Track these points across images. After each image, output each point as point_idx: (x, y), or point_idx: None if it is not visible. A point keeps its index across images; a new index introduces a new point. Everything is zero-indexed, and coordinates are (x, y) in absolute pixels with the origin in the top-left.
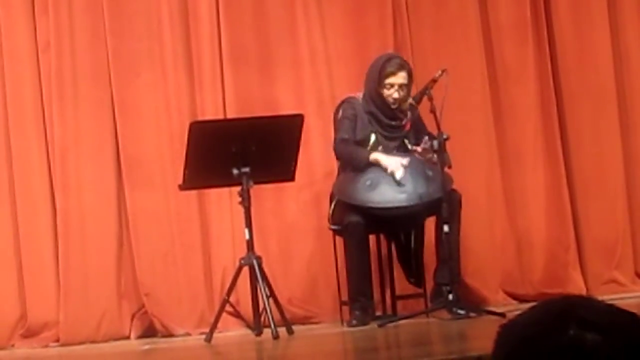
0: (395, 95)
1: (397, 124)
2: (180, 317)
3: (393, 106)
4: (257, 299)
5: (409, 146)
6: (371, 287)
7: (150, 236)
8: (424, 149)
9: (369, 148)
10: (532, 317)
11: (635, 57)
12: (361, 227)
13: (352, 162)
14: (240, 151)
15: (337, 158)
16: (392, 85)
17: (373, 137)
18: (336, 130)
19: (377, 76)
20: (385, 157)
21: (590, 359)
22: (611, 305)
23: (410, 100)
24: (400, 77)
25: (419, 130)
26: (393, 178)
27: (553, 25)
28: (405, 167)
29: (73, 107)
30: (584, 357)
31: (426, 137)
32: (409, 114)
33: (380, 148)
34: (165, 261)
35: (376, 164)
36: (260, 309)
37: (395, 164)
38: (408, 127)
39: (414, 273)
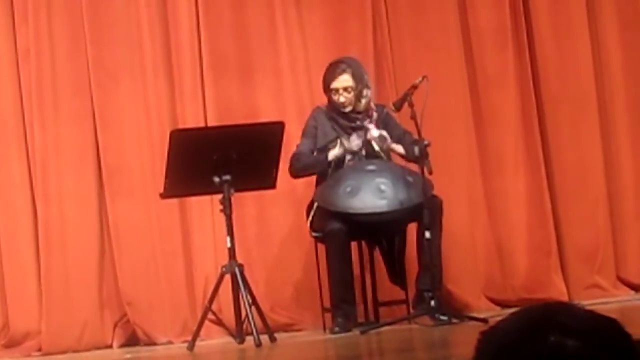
0: (342, 99)
1: (357, 125)
2: (163, 325)
3: (344, 110)
4: (239, 306)
5: (376, 147)
6: (353, 294)
7: (131, 245)
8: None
9: (334, 151)
10: (512, 324)
11: (615, 62)
12: (342, 234)
13: (315, 169)
14: (221, 159)
15: (294, 176)
16: (337, 90)
17: (339, 142)
18: (297, 146)
19: (324, 84)
20: (338, 148)
21: None
22: (591, 312)
23: (366, 96)
24: (343, 81)
25: (390, 130)
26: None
27: (533, 30)
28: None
29: (53, 116)
30: None
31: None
32: (374, 114)
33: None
34: (147, 270)
35: (338, 158)
36: (243, 316)
37: (349, 142)
38: (374, 125)
39: (398, 276)
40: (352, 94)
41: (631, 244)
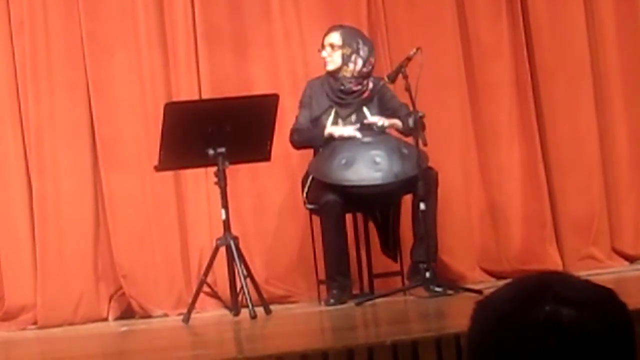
0: (324, 54)
1: (346, 89)
2: (158, 298)
3: (328, 68)
4: (234, 279)
5: (368, 115)
6: (348, 266)
7: (126, 218)
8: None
9: (329, 121)
10: (507, 294)
11: (610, 32)
12: (337, 206)
13: (312, 143)
14: (215, 132)
15: (295, 147)
16: (324, 47)
17: (333, 112)
18: (296, 118)
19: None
20: (337, 129)
21: (566, 334)
22: (587, 281)
23: (354, 62)
24: (329, 37)
25: (386, 102)
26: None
27: (527, 0)
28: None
29: (48, 88)
30: (559, 332)
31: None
32: (370, 84)
33: (339, 121)
34: (142, 243)
35: (333, 137)
36: (238, 289)
37: (348, 130)
38: (366, 95)
39: (391, 248)
40: (336, 52)
41: (626, 215)
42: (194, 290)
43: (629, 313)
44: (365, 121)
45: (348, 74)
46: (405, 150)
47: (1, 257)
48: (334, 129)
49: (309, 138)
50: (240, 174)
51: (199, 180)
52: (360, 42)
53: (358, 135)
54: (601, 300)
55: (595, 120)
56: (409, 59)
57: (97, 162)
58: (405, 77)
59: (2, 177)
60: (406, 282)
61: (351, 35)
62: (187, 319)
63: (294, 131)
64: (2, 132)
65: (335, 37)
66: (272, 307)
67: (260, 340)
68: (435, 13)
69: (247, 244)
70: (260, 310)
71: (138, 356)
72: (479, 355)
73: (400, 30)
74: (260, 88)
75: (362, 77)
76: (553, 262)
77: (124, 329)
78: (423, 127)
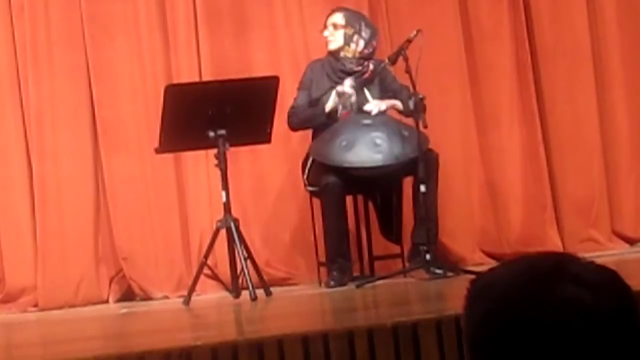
0: (326, 33)
1: (347, 69)
2: (159, 280)
3: (329, 47)
4: (234, 261)
5: (368, 96)
6: (349, 248)
7: (127, 200)
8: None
9: (329, 101)
10: (515, 274)
11: (610, 14)
12: (338, 188)
13: (312, 122)
14: (216, 114)
15: (292, 129)
16: (327, 27)
17: (334, 93)
18: (294, 99)
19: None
20: (333, 98)
21: (580, 315)
22: (592, 262)
23: (356, 42)
24: (332, 18)
25: (387, 85)
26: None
27: None
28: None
29: (48, 71)
30: (582, 313)
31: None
32: (371, 66)
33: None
34: (143, 225)
35: (334, 109)
36: (238, 271)
37: (343, 86)
38: (367, 76)
39: (392, 231)
40: (339, 31)
41: (626, 198)
42: (194, 272)
43: (634, 294)
44: (365, 108)
45: (349, 54)
46: (405, 132)
47: (2, 239)
48: (331, 103)
49: (308, 116)
50: (241, 156)
51: (200, 163)
52: (363, 24)
53: (350, 90)
54: (611, 281)
55: (596, 102)
56: (409, 41)
57: (98, 145)
58: (406, 59)
59: (2, 160)
60: (406, 264)
61: (354, 17)
62: (187, 301)
63: (292, 113)
64: (3, 115)
65: (338, 17)
66: (272, 289)
67: (261, 322)
68: None
69: (248, 226)
70: (260, 292)
71: (138, 338)
72: (480, 337)
73: (401, 13)
74: (260, 70)
75: (363, 58)
76: (553, 244)
77: (124, 311)
78: (423, 109)
